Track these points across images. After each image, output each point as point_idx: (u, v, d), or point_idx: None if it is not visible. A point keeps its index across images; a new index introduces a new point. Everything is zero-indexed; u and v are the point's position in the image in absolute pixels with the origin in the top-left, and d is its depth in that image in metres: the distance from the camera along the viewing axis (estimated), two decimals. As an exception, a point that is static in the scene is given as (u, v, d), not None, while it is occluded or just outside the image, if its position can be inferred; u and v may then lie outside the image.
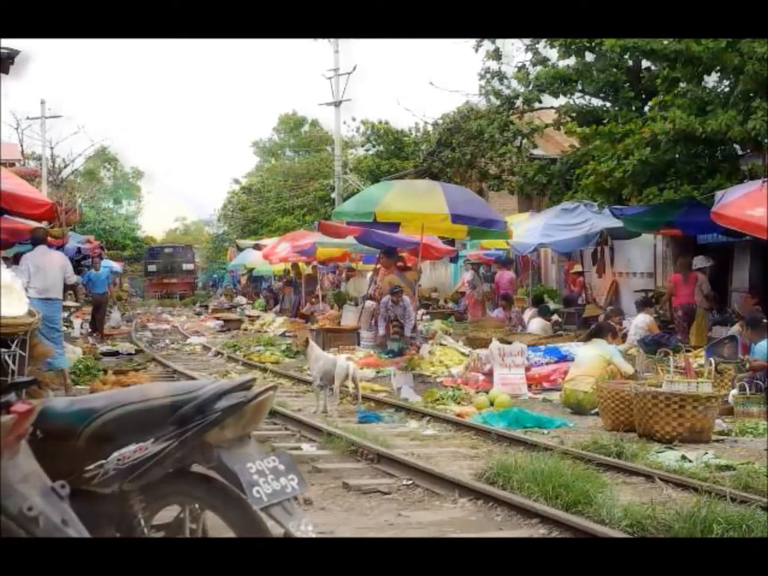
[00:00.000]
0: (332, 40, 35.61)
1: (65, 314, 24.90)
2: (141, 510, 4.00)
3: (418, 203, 17.05)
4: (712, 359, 11.63)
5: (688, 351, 12.30)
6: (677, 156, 16.65)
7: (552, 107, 22.45)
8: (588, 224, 18.78)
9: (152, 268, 62.82)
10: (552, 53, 21.36)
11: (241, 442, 3.99)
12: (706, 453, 8.68)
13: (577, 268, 22.80)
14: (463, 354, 16.16)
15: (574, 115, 21.45)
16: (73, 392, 12.40)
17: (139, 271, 67.39)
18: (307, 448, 9.32)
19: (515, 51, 49.94)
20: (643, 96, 20.76)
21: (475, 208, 17.36)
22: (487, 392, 12.59)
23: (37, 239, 13.80)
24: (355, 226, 19.08)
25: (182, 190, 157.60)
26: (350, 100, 46.29)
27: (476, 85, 24.86)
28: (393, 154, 37.41)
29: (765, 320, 11.94)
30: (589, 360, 11.81)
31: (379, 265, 20.85)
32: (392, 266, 18.57)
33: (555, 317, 20.28)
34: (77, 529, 3.44)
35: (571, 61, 20.84)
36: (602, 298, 22.08)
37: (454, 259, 26.99)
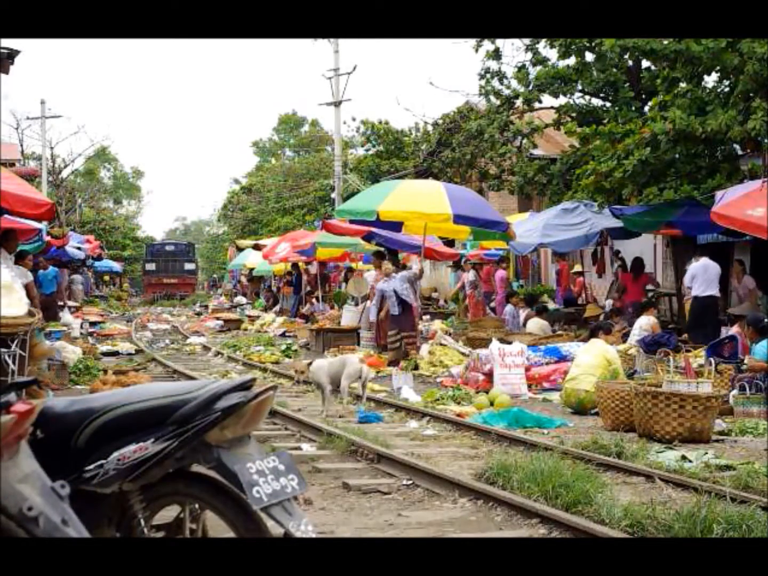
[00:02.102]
0: (332, 40, 35.60)
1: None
2: (141, 510, 4.00)
3: (420, 203, 17.05)
4: (712, 359, 11.64)
5: (688, 351, 12.30)
6: (677, 156, 16.65)
7: (552, 107, 22.44)
8: (588, 224, 18.78)
9: (151, 266, 60.65)
10: (552, 53, 21.39)
11: (241, 442, 3.99)
12: (706, 453, 8.68)
13: (577, 268, 22.81)
14: (463, 354, 16.16)
15: (573, 115, 21.45)
16: None
17: (139, 271, 66.97)
18: (307, 448, 9.32)
19: (515, 51, 50.01)
20: (643, 96, 20.76)
21: (477, 209, 17.38)
22: (487, 392, 12.59)
23: None
24: (358, 225, 19.09)
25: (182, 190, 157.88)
26: (350, 100, 46.23)
27: (476, 85, 24.84)
28: (393, 154, 37.42)
29: (765, 320, 11.95)
30: (590, 359, 11.81)
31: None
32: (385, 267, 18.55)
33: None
34: (77, 529, 3.44)
35: (571, 61, 20.85)
36: (602, 298, 22.10)
37: (456, 262, 27.08)
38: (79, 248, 30.47)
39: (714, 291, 15.74)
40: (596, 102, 21.80)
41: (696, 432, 9.58)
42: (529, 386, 13.43)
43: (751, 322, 12.03)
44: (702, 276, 15.74)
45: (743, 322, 12.75)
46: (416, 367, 15.91)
